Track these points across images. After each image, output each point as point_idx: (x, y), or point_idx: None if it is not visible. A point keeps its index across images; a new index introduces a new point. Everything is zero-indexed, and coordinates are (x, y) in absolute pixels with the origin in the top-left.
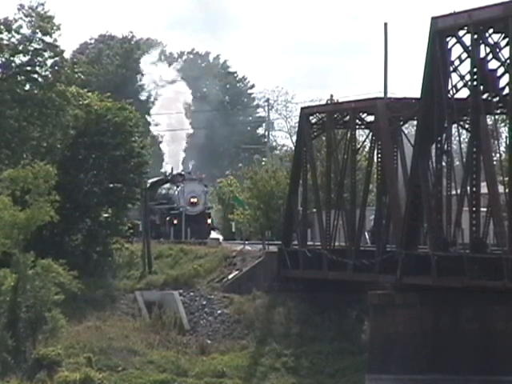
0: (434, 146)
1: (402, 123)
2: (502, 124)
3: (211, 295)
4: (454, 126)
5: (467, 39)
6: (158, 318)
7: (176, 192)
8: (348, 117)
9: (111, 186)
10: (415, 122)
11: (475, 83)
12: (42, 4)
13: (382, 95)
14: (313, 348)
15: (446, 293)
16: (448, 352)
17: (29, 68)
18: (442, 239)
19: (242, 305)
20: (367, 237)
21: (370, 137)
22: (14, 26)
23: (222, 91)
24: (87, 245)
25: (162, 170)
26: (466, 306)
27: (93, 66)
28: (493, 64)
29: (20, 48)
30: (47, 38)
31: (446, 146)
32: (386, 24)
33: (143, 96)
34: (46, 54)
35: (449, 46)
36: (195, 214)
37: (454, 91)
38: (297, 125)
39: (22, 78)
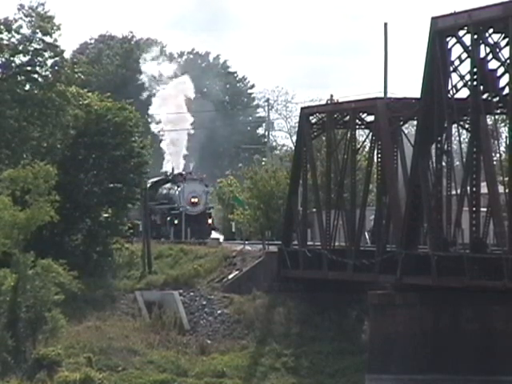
0: (434, 146)
1: (402, 123)
2: (502, 124)
3: (211, 295)
4: (454, 126)
5: (467, 39)
6: (158, 318)
7: (177, 192)
8: (348, 117)
9: (111, 185)
10: (415, 122)
11: (475, 83)
12: (42, 4)
13: (382, 95)
14: (313, 348)
15: (445, 293)
16: (448, 352)
17: (29, 68)
18: (442, 239)
19: (241, 305)
20: (367, 237)
21: (369, 137)
22: (14, 26)
23: (222, 91)
24: (87, 245)
25: (163, 170)
26: (466, 305)
27: (93, 66)
28: (493, 64)
29: (20, 48)
30: (47, 38)
31: (446, 146)
32: (385, 24)
33: (144, 96)
34: (46, 54)
35: (449, 46)
36: (196, 213)
37: (454, 91)
38: (297, 125)
39: (22, 78)
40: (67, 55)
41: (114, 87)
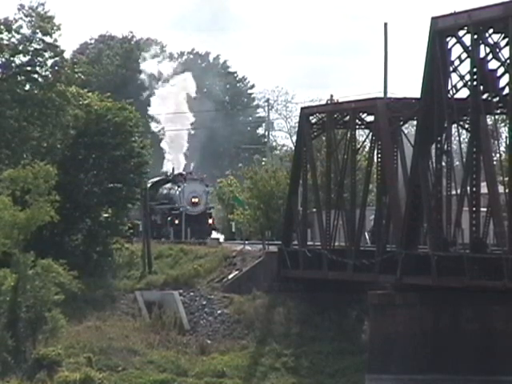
0: (433, 146)
1: (402, 123)
2: (502, 124)
3: (211, 295)
4: (454, 125)
5: (467, 39)
6: (158, 318)
7: (177, 192)
8: (348, 117)
9: (111, 185)
10: (415, 122)
11: (475, 83)
12: (42, 4)
13: (382, 95)
14: (313, 348)
15: (445, 293)
16: (448, 352)
17: (29, 68)
18: (442, 239)
19: (241, 305)
20: (367, 237)
21: (370, 137)
22: (14, 26)
23: (222, 91)
24: (87, 245)
25: (163, 169)
26: (466, 305)
27: (93, 66)
28: (493, 64)
29: (20, 48)
30: (47, 38)
31: (446, 146)
32: (385, 24)
33: (144, 95)
34: (46, 54)
35: (449, 46)
36: (196, 214)
37: (454, 91)
38: (297, 125)
39: (22, 78)
40: (67, 55)
41: (114, 87)
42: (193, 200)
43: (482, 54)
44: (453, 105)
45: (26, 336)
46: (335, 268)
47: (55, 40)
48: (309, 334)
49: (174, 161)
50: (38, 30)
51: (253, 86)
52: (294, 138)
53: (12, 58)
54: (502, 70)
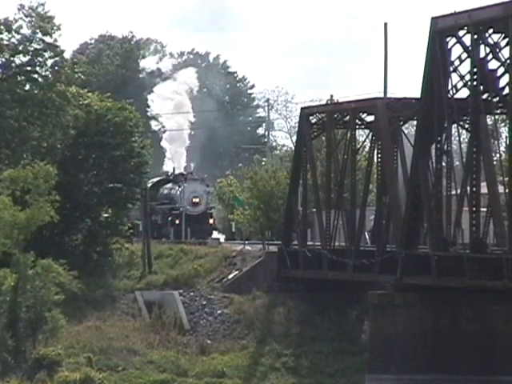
0: (433, 146)
1: (402, 123)
2: (502, 124)
3: (211, 295)
4: (454, 126)
5: (467, 39)
6: (158, 318)
7: (178, 192)
8: (348, 117)
9: (111, 185)
10: (415, 122)
11: (475, 83)
12: (42, 4)
13: (382, 95)
14: (313, 348)
15: (446, 293)
16: (448, 352)
17: (29, 68)
18: (442, 239)
19: (241, 305)
20: (367, 237)
21: (370, 137)
22: (14, 26)
23: (222, 91)
24: (87, 245)
25: (164, 169)
26: (466, 305)
27: (93, 66)
28: (493, 64)
29: (20, 48)
30: (47, 38)
31: (446, 146)
32: (386, 24)
33: (144, 94)
34: (46, 54)
35: (449, 46)
36: (197, 214)
37: (454, 91)
38: (297, 125)
39: (22, 78)
40: (67, 55)
41: (114, 87)
42: (193, 200)
43: (482, 54)
44: (453, 105)
45: (26, 336)
46: (335, 268)
47: (55, 40)
48: (309, 334)
49: (175, 159)
50: (37, 30)
51: (253, 86)
52: (294, 137)
53: (12, 58)
54: (502, 70)
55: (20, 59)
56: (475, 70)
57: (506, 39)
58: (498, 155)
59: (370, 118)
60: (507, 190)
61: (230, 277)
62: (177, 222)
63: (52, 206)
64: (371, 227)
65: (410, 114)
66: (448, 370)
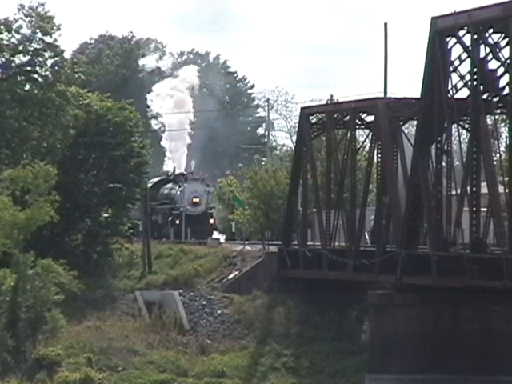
0: (434, 146)
1: (402, 123)
2: (502, 124)
3: (211, 295)
4: (454, 126)
5: (467, 39)
6: (158, 318)
7: (178, 192)
8: (348, 117)
9: (111, 185)
10: (415, 122)
11: (475, 83)
12: (42, 4)
13: (382, 95)
14: (313, 348)
15: (445, 293)
16: (448, 352)
17: (29, 68)
18: (442, 239)
19: (241, 305)
20: (367, 237)
21: (370, 137)
22: (14, 26)
23: (222, 91)
24: (87, 245)
25: (164, 169)
26: (466, 305)
27: (93, 66)
28: (493, 64)
29: (20, 48)
30: (47, 38)
31: (446, 146)
32: (386, 24)
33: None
34: (46, 54)
35: (449, 46)
36: (197, 214)
37: (454, 91)
38: (297, 125)
39: (22, 78)
40: (67, 55)
41: (114, 87)
42: (194, 200)
43: (482, 54)
44: (453, 105)
45: (26, 336)
46: (335, 268)
47: (55, 40)
48: (309, 334)
49: (175, 159)
50: (37, 30)
51: (253, 86)
52: (294, 137)
53: (12, 58)
54: (502, 70)
55: (20, 59)
56: (475, 70)
57: (506, 39)
58: (498, 155)
59: (370, 118)
60: (507, 190)
61: (230, 277)
62: (177, 222)
63: (52, 206)
64: (371, 227)
65: (410, 114)
66: (448, 369)
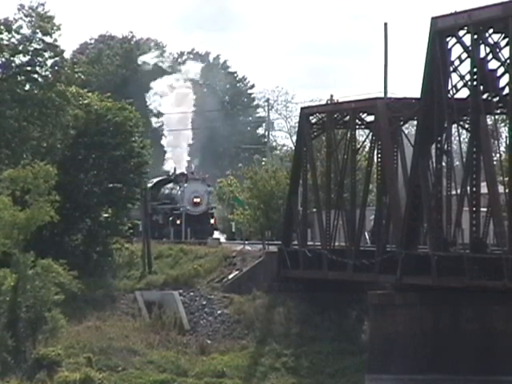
0: (434, 146)
1: (402, 123)
2: (502, 124)
3: (211, 295)
4: (454, 126)
5: (467, 39)
6: (158, 318)
7: (179, 192)
8: (348, 117)
9: (111, 185)
10: (415, 122)
11: (475, 83)
12: (42, 4)
13: (382, 95)
14: (313, 348)
15: (446, 293)
16: (448, 352)
17: (29, 68)
18: (442, 239)
19: (241, 305)
20: (367, 237)
21: (370, 137)
22: (14, 26)
23: (222, 91)
24: (87, 245)
25: (164, 168)
26: (466, 305)
27: (93, 66)
28: (493, 64)
29: (20, 48)
30: (47, 38)
31: (446, 146)
32: (386, 24)
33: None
34: (46, 54)
35: (449, 46)
36: (198, 214)
37: (454, 91)
38: (297, 125)
39: (22, 78)
40: (67, 55)
41: (114, 87)
42: (194, 200)
43: (482, 54)
44: (453, 105)
45: (26, 336)
46: (335, 268)
47: (55, 40)
48: (309, 334)
49: (175, 156)
50: (37, 30)
51: (253, 86)
52: (294, 137)
53: (12, 58)
54: (502, 70)
55: (20, 59)
56: (475, 70)
57: (506, 39)
58: (498, 155)
59: (370, 118)
60: (507, 190)
61: (230, 277)
62: (178, 222)
63: (52, 206)
64: (371, 227)
65: (410, 113)
66: (448, 370)
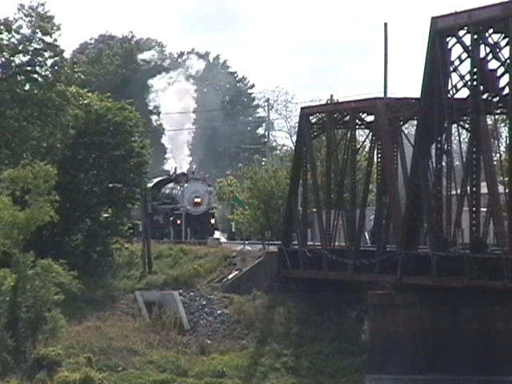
0: (434, 146)
1: (402, 123)
2: (502, 124)
3: (211, 295)
4: (454, 125)
5: (467, 39)
6: (158, 318)
7: (179, 192)
8: (348, 117)
9: (111, 185)
10: (415, 122)
11: (475, 83)
12: (42, 4)
13: (382, 95)
14: (313, 348)
15: (446, 293)
16: (448, 352)
17: (29, 68)
18: (442, 239)
19: (241, 305)
20: (367, 237)
21: (369, 137)
22: (14, 26)
23: (221, 91)
24: (87, 245)
25: (165, 167)
26: (466, 305)
27: (93, 66)
28: (493, 64)
29: (20, 48)
30: (47, 38)
31: (446, 146)
32: (386, 24)
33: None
34: (46, 54)
35: (449, 46)
36: (199, 213)
37: (454, 91)
38: (297, 125)
39: (22, 78)
40: (67, 55)
41: (114, 87)
42: (195, 200)
43: (482, 54)
44: (453, 105)
45: (26, 336)
46: (335, 268)
47: (55, 40)
48: (309, 334)
49: (176, 158)
50: (37, 30)
51: (253, 86)
52: (294, 138)
53: (12, 58)
54: (502, 69)
55: (20, 59)
56: (475, 70)
57: (506, 39)
58: (498, 155)
59: (370, 118)
60: (507, 190)
61: (230, 277)
62: (178, 221)
63: (52, 206)
64: (371, 227)
65: (410, 113)
66: (448, 370)
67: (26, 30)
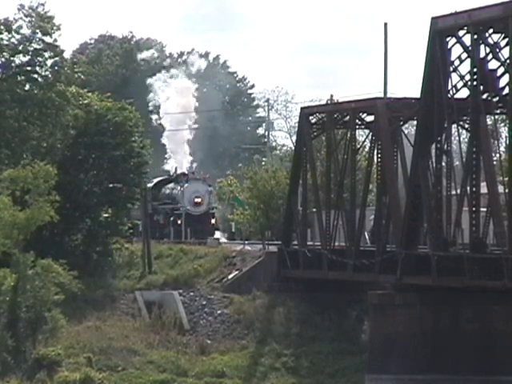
0: (433, 146)
1: (402, 123)
2: (502, 124)
3: (211, 295)
4: (454, 126)
5: (467, 39)
6: (158, 318)
7: (180, 192)
8: (348, 117)
9: (111, 185)
10: (415, 122)
11: (475, 83)
12: (42, 4)
13: (382, 95)
14: (313, 348)
15: (446, 293)
16: (448, 352)
17: (29, 68)
18: (442, 239)
19: (241, 305)
20: (367, 237)
21: (370, 137)
22: (14, 26)
23: (221, 91)
24: (87, 245)
25: (165, 167)
26: (466, 305)
27: (93, 66)
28: (493, 64)
29: (20, 48)
30: (47, 38)
31: (446, 146)
32: (386, 24)
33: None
34: (46, 54)
35: (449, 46)
36: (199, 214)
37: (454, 91)
38: (297, 125)
39: (22, 77)
40: (67, 55)
41: (114, 87)
42: (195, 200)
43: (482, 54)
44: (453, 105)
45: (26, 336)
46: (335, 268)
47: (55, 40)
48: (309, 334)
49: (177, 158)
50: (37, 30)
51: (253, 86)
52: (294, 138)
53: (12, 58)
54: (502, 69)
55: (20, 59)
56: (475, 70)
57: (506, 39)
58: (497, 155)
59: (370, 118)
60: (507, 190)
61: (230, 277)
62: (178, 222)
63: (52, 206)
64: (371, 227)
65: (410, 113)
66: (448, 370)
67: (26, 30)
